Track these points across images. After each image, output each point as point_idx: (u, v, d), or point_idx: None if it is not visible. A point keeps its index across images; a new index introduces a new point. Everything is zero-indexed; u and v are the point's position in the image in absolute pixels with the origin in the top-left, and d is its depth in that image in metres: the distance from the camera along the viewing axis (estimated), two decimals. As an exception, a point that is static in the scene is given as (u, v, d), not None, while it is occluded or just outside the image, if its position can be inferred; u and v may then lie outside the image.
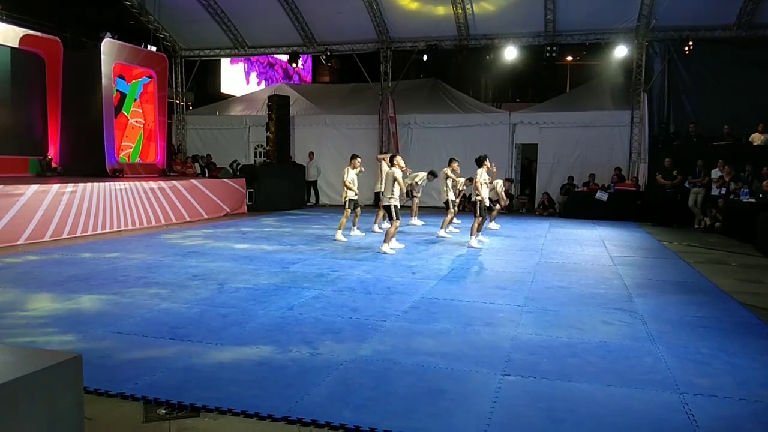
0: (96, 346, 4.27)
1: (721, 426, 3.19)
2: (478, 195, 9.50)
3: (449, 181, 10.86)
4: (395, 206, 8.88)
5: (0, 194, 8.69)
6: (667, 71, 15.04)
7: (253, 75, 24.83)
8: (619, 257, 8.74)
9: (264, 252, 8.62)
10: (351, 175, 10.11)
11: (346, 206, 10.19)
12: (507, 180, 13.39)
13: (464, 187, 12.05)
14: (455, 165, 10.85)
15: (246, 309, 5.36)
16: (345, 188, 10.15)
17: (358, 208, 10.57)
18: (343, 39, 17.15)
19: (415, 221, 12.36)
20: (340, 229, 10.05)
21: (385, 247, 8.66)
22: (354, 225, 10.66)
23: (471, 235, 9.53)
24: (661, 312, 5.53)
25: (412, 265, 7.72)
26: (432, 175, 11.99)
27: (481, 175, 9.51)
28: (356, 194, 10.21)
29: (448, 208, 10.95)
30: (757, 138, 13.36)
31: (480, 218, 9.55)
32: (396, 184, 8.81)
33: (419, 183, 12.12)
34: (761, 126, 13.26)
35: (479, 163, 9.59)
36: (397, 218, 8.88)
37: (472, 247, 9.29)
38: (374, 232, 10.96)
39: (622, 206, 14.07)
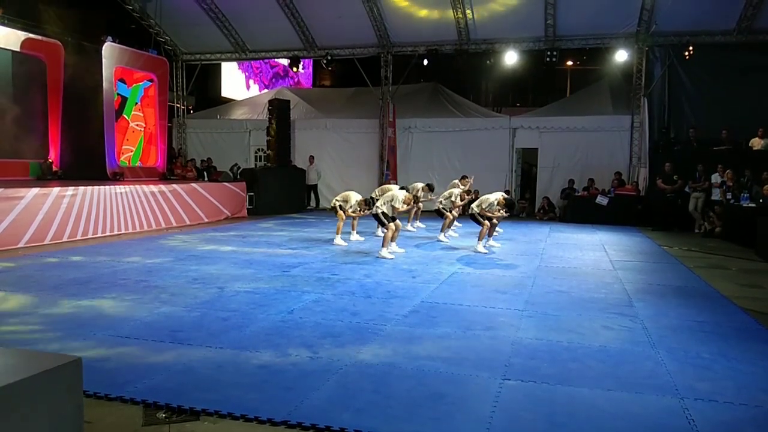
0: (96, 349, 4.27)
1: (721, 430, 3.19)
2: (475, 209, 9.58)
3: (456, 194, 10.77)
4: (383, 213, 8.83)
5: (0, 197, 8.70)
6: (668, 76, 15.05)
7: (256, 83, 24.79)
8: (620, 262, 8.74)
9: (264, 255, 8.62)
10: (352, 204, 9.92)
11: (337, 209, 10.02)
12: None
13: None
14: (467, 182, 10.89)
15: (246, 313, 5.36)
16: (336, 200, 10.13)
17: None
18: (344, 43, 17.17)
19: (410, 227, 12.15)
20: (338, 233, 10.05)
21: (384, 252, 8.63)
22: (353, 229, 10.63)
23: (478, 240, 9.50)
24: (661, 316, 5.53)
25: (412, 269, 7.72)
26: (429, 188, 11.76)
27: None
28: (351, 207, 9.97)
29: (440, 215, 10.88)
30: (756, 143, 13.37)
31: (486, 225, 9.49)
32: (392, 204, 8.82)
33: (420, 197, 11.93)
34: (761, 131, 13.26)
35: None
36: (390, 222, 8.80)
37: (478, 252, 9.25)
38: (377, 236, 10.91)
39: (623, 211, 14.06)
